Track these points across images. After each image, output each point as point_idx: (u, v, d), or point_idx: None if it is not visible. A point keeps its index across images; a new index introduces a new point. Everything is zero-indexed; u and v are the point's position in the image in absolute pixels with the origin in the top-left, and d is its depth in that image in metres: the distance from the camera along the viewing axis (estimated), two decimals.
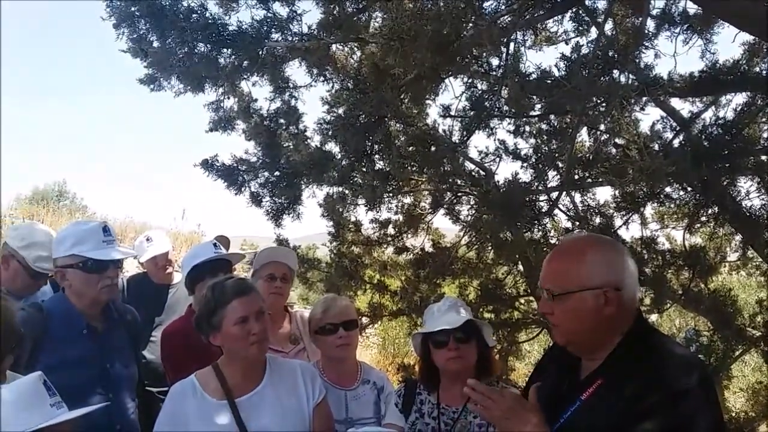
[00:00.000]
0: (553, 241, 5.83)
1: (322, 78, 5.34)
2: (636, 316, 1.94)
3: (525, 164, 5.96)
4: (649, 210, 6.23)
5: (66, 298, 3.01)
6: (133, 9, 4.27)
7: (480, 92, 5.35)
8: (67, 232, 3.08)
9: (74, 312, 2.98)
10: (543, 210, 5.51)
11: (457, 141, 5.48)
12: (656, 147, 5.11)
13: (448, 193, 6.34)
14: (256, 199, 5.83)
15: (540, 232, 5.61)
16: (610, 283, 1.87)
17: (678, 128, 5.30)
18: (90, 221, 3.35)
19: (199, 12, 4.37)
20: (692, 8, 5.23)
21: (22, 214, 12.65)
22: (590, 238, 2.19)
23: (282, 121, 5.83)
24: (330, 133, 5.10)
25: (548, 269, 2.02)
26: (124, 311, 3.32)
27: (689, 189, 5.20)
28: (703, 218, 5.66)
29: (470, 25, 3.54)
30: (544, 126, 6.09)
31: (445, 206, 6.49)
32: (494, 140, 6.13)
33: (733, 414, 5.71)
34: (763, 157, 4.94)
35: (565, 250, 2.09)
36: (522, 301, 6.83)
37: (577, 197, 6.22)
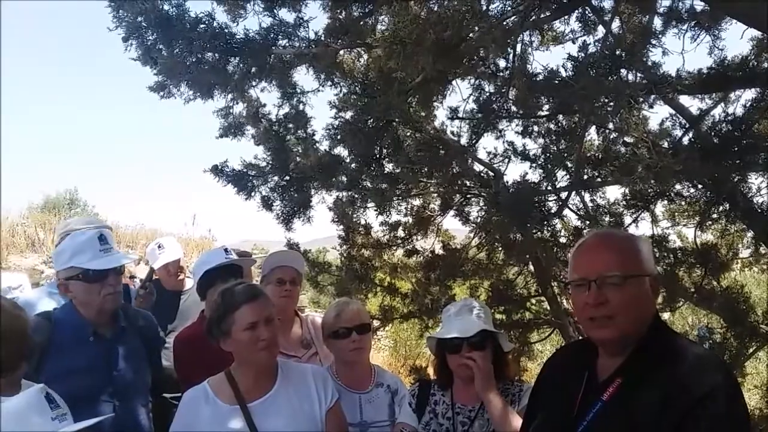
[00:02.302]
0: (563, 241, 5.82)
1: (329, 82, 5.35)
2: (655, 316, 1.94)
3: (534, 165, 5.94)
4: (659, 208, 6.21)
5: (74, 307, 3.04)
6: (140, 19, 4.29)
7: (488, 94, 5.35)
8: (65, 245, 3.11)
9: (81, 320, 3.01)
10: (552, 210, 5.50)
11: (465, 143, 5.48)
12: (665, 144, 5.09)
13: (458, 194, 6.34)
14: (266, 203, 5.85)
15: (550, 233, 5.60)
16: (654, 274, 1.89)
17: (687, 125, 5.27)
18: (86, 231, 3.35)
19: (206, 22, 4.39)
20: (699, 5, 5.22)
21: (34, 222, 12.73)
22: (624, 231, 2.18)
23: (290, 125, 5.85)
24: (338, 137, 5.11)
25: (600, 257, 1.92)
26: (136, 317, 3.33)
27: (700, 186, 5.19)
28: (714, 215, 5.63)
29: (474, 28, 3.53)
30: (552, 126, 6.08)
31: (454, 208, 6.49)
32: (503, 141, 6.13)
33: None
34: None
35: (610, 238, 2.06)
36: (533, 301, 6.83)
37: (587, 196, 6.21)
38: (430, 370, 7.82)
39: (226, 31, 4.47)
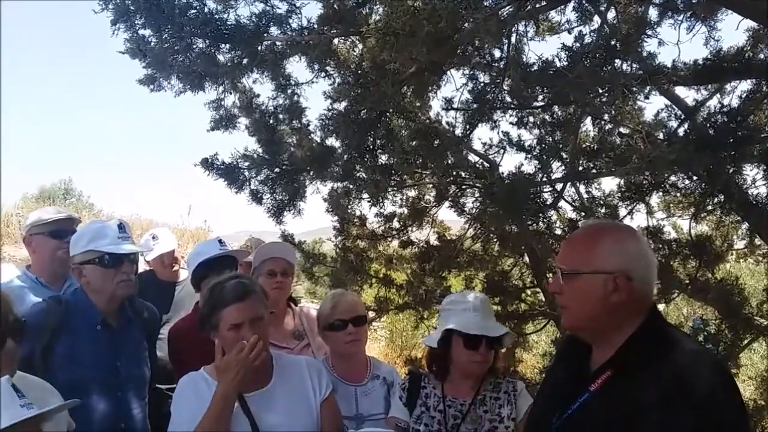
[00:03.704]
0: (558, 233, 5.82)
1: (323, 73, 5.31)
2: (651, 310, 1.93)
3: (529, 156, 5.93)
4: (654, 199, 6.21)
5: (85, 293, 3.03)
6: (127, 2, 4.24)
7: (482, 84, 5.32)
8: (85, 229, 3.14)
9: (92, 306, 3.01)
10: (548, 201, 5.48)
11: (460, 134, 5.46)
12: (661, 136, 5.08)
13: (453, 185, 6.32)
14: (256, 197, 5.83)
15: (545, 224, 5.59)
16: (622, 271, 1.87)
17: (683, 116, 5.25)
18: (106, 220, 3.40)
19: (197, 7, 4.35)
20: None
21: (28, 212, 12.68)
22: (611, 224, 2.27)
23: (283, 116, 5.82)
24: (331, 128, 5.07)
25: (565, 249, 2.06)
26: (141, 309, 3.32)
27: (695, 178, 5.17)
28: (709, 207, 5.63)
29: (468, 19, 3.50)
30: (547, 117, 6.06)
31: (449, 199, 6.47)
32: (498, 132, 6.11)
33: None
34: None
35: (584, 232, 2.17)
36: (528, 292, 6.84)
37: (582, 188, 6.21)
38: None
39: (216, 17, 4.42)
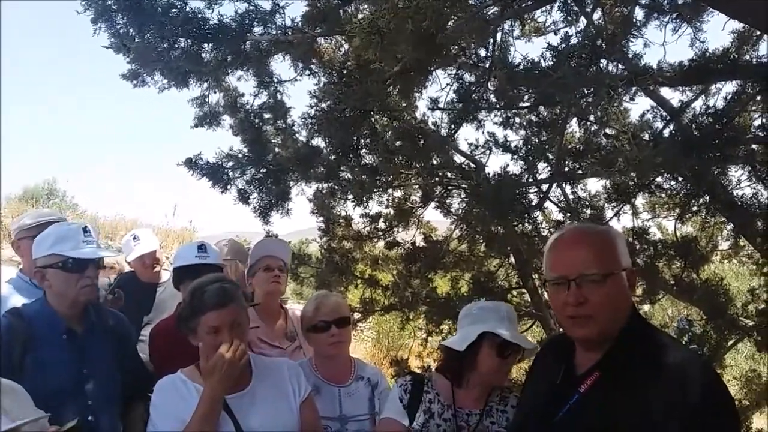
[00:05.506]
0: (544, 233, 5.81)
1: (307, 72, 5.28)
2: (632, 310, 1.92)
3: (515, 156, 5.92)
4: (640, 200, 6.22)
5: (46, 302, 2.97)
6: (109, 2, 4.20)
7: (467, 84, 5.31)
8: (48, 232, 3.04)
9: (54, 315, 2.94)
10: (534, 202, 5.47)
11: (445, 134, 5.44)
12: (646, 137, 5.08)
13: (439, 186, 6.30)
14: (243, 197, 5.79)
15: (531, 225, 5.58)
16: (629, 267, 1.88)
17: (668, 118, 5.26)
18: (71, 222, 3.32)
19: (179, 6, 4.31)
20: None
21: (12, 213, 12.56)
22: (599, 225, 2.19)
23: (268, 116, 5.78)
24: (315, 127, 5.05)
25: (579, 255, 1.88)
26: (106, 316, 3.25)
27: (680, 179, 5.19)
28: (695, 208, 5.64)
29: (453, 18, 3.48)
30: (533, 117, 6.06)
31: (435, 199, 6.46)
32: (483, 133, 6.10)
33: None
34: (754, 146, 4.91)
35: (588, 234, 2.00)
36: (514, 293, 6.83)
37: (568, 189, 6.20)
38: (412, 362, 7.78)
39: (199, 16, 4.38)
